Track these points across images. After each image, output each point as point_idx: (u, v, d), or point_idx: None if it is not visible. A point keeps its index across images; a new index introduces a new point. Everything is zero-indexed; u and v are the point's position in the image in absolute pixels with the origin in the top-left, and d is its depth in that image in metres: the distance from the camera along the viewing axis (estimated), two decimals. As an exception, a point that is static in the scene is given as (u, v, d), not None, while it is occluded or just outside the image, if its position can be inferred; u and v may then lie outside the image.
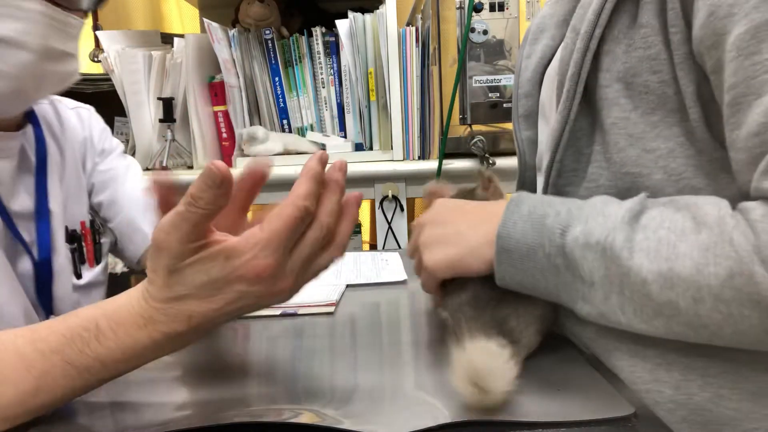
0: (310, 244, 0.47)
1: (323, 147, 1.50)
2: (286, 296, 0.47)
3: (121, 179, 0.93)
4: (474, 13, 1.39)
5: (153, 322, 0.46)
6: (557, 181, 0.61)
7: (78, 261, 0.86)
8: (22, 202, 0.78)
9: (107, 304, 0.48)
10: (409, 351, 0.62)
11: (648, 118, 0.54)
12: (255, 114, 1.54)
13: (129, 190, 0.93)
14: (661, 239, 0.48)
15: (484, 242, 0.55)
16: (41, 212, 0.80)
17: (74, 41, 0.72)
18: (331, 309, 0.78)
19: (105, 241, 0.92)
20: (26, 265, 0.78)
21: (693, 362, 0.53)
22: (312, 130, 1.53)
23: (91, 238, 0.89)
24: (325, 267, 0.49)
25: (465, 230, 0.57)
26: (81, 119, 0.92)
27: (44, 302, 0.80)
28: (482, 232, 0.55)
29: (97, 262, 0.90)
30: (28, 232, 0.78)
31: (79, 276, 0.86)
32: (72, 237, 0.85)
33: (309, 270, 0.48)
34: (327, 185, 0.49)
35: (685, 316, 0.48)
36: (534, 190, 0.73)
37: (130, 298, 0.47)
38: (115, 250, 0.96)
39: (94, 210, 0.92)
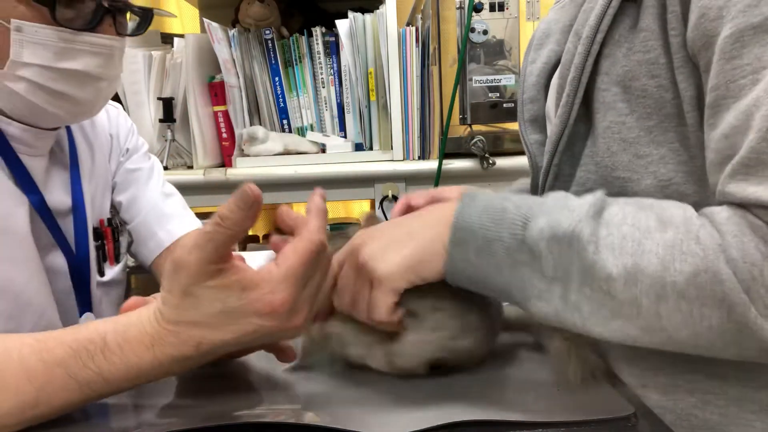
0: (321, 277, 0.47)
1: (323, 147, 1.50)
2: (298, 331, 0.47)
3: (143, 181, 0.93)
4: (474, 13, 1.39)
5: (161, 344, 0.46)
6: (554, 185, 0.61)
7: (101, 258, 0.86)
8: (56, 197, 0.78)
9: (119, 319, 0.48)
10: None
11: (644, 122, 0.54)
12: (255, 114, 1.54)
13: (149, 194, 0.93)
14: (626, 235, 0.47)
15: (439, 240, 0.51)
16: (78, 208, 0.81)
17: (121, 63, 0.78)
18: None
19: (123, 240, 0.92)
20: (59, 260, 0.78)
21: (679, 367, 0.53)
22: (312, 130, 1.53)
23: (111, 236, 0.89)
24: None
25: (417, 229, 0.53)
26: (109, 116, 0.92)
27: (83, 298, 0.80)
28: (436, 231, 0.52)
29: (117, 260, 0.89)
30: (62, 227, 0.78)
31: (102, 273, 0.86)
32: (96, 234, 0.85)
33: (318, 301, 0.49)
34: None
35: (645, 316, 0.47)
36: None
37: (141, 317, 0.47)
38: (130, 251, 0.95)
39: (114, 209, 0.92)
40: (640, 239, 0.47)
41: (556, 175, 0.61)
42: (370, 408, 0.50)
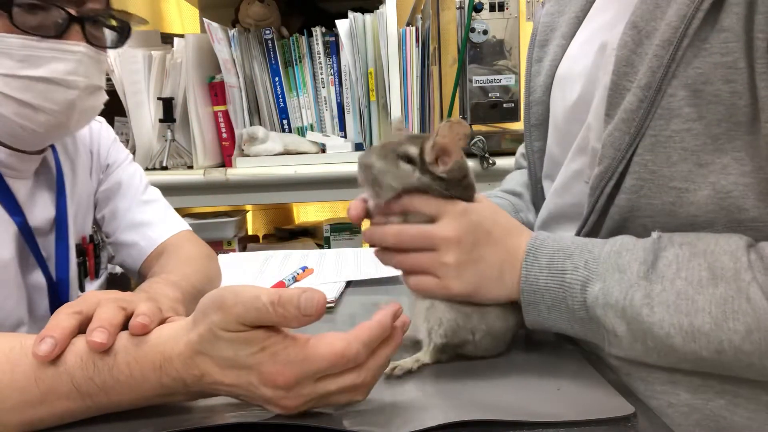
0: (339, 386, 0.46)
1: (323, 147, 1.50)
2: (286, 413, 0.46)
3: (122, 193, 0.92)
4: (474, 13, 1.39)
5: (169, 364, 0.47)
6: (612, 192, 0.57)
7: (83, 275, 0.87)
8: (39, 217, 0.78)
9: (152, 333, 0.49)
10: (409, 351, 0.62)
11: (712, 129, 0.51)
12: (255, 114, 1.54)
13: (127, 204, 0.92)
14: (680, 292, 0.49)
15: (506, 287, 0.55)
16: (61, 228, 0.80)
17: (103, 75, 0.76)
18: (330, 305, 0.78)
19: (103, 255, 0.93)
20: (38, 278, 0.78)
21: None
22: (312, 130, 1.53)
23: (93, 252, 0.89)
24: (338, 404, 0.47)
25: (488, 269, 0.55)
26: (91, 132, 0.91)
27: None
28: (507, 279, 0.55)
29: (96, 275, 0.90)
30: (43, 247, 0.78)
31: (83, 289, 0.87)
32: (79, 251, 0.86)
33: (321, 402, 0.47)
34: (391, 337, 0.48)
35: (709, 362, 0.49)
36: (557, 207, 0.70)
37: (161, 335, 0.48)
38: (119, 263, 0.95)
39: (96, 224, 0.92)
40: (693, 296, 0.48)
41: (615, 182, 0.56)
42: (370, 408, 0.50)
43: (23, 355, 0.48)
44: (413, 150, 0.55)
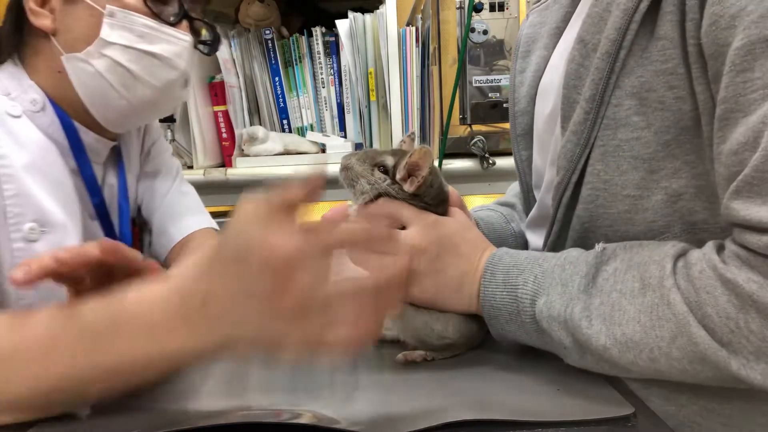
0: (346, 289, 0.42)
1: (323, 147, 1.50)
2: (286, 321, 0.41)
3: (161, 179, 0.97)
4: (474, 13, 1.39)
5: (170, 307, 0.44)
6: (569, 203, 0.59)
7: None
8: (109, 202, 0.85)
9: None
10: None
11: (662, 136, 0.52)
12: (255, 114, 1.54)
13: (164, 191, 0.96)
14: (614, 304, 0.50)
15: (464, 300, 0.57)
16: (123, 213, 0.87)
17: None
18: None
19: (146, 238, 0.96)
20: None
21: None
22: (312, 130, 1.53)
23: (138, 235, 0.94)
24: (334, 344, 0.41)
25: (448, 280, 0.57)
26: None
27: None
28: (467, 291, 0.57)
29: None
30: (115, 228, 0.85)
31: None
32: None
33: (319, 320, 0.41)
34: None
35: (648, 371, 0.50)
36: (541, 211, 0.71)
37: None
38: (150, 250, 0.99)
39: (138, 208, 0.95)
40: (625, 307, 0.49)
41: (573, 192, 0.58)
42: (370, 408, 0.50)
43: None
44: (390, 161, 0.59)
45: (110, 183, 0.87)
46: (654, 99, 0.52)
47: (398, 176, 0.58)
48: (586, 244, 0.57)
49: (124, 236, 0.86)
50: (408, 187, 0.58)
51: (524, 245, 0.79)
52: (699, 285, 0.46)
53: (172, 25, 0.79)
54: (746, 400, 0.52)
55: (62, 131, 0.78)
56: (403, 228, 0.58)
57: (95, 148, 0.82)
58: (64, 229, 0.73)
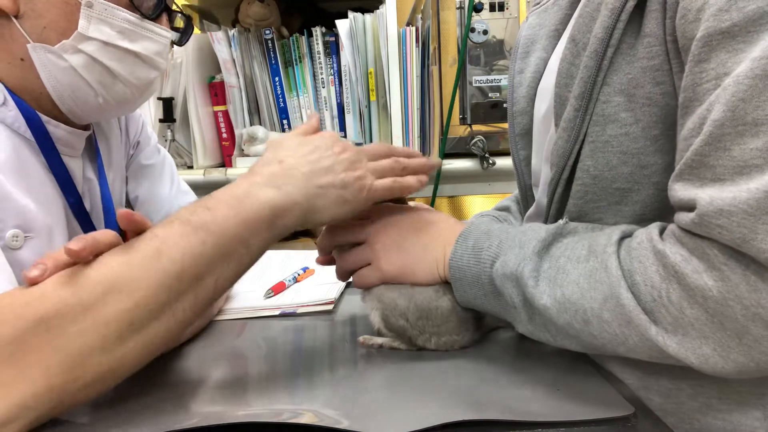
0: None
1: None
2: (355, 181, 0.58)
3: (157, 176, 0.94)
4: (474, 13, 1.39)
5: (253, 170, 0.57)
6: (561, 197, 0.60)
7: None
8: (90, 199, 0.80)
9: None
10: (409, 351, 0.62)
11: (650, 131, 0.53)
12: (255, 114, 1.54)
13: (166, 190, 0.94)
14: (560, 267, 0.52)
15: (434, 268, 0.61)
16: (109, 210, 0.82)
17: (165, 59, 0.80)
18: (329, 307, 0.78)
19: None
20: None
21: (683, 371, 0.53)
22: (312, 130, 1.53)
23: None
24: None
25: (414, 250, 0.62)
26: None
27: None
28: (432, 256, 0.61)
29: None
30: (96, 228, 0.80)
31: None
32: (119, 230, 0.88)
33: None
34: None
35: (583, 336, 0.51)
36: (538, 208, 0.72)
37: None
38: None
39: (130, 205, 0.92)
40: (569, 270, 0.52)
41: (564, 188, 0.59)
42: (370, 408, 0.50)
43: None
44: None
45: (89, 177, 0.81)
46: (642, 95, 0.53)
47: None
48: None
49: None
50: None
51: None
52: (634, 255, 0.49)
53: (153, 19, 0.74)
54: (744, 395, 0.52)
55: (27, 126, 0.70)
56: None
57: (68, 140, 0.75)
58: (48, 233, 0.69)
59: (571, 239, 0.54)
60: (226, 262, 0.52)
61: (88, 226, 0.77)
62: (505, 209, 0.89)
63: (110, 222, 0.82)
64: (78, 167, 0.78)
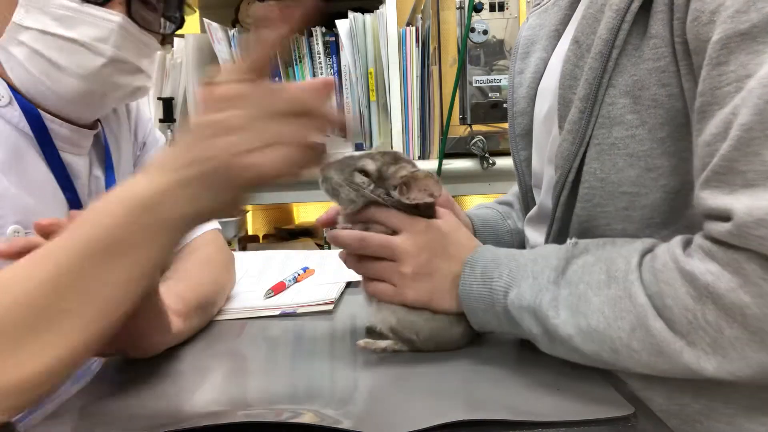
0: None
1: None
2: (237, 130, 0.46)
3: None
4: (474, 13, 1.39)
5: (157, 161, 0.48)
6: (567, 201, 0.59)
7: None
8: (94, 193, 0.79)
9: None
10: (409, 351, 0.62)
11: (656, 134, 0.53)
12: (255, 114, 1.53)
13: None
14: (581, 295, 0.51)
15: (456, 299, 0.59)
16: None
17: (148, 59, 0.77)
18: (329, 307, 0.78)
19: None
20: None
21: None
22: (312, 130, 1.53)
23: None
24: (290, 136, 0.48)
25: (441, 281, 0.59)
26: (128, 107, 0.91)
27: None
28: (455, 292, 0.59)
29: None
30: None
31: None
32: None
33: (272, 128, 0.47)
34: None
35: (611, 363, 0.51)
36: (541, 210, 0.72)
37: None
38: None
39: None
40: (591, 298, 0.50)
41: (570, 190, 0.59)
42: (370, 408, 0.50)
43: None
44: (370, 165, 0.59)
45: (96, 175, 0.81)
46: (647, 97, 0.52)
47: (393, 182, 0.58)
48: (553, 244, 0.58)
49: None
50: (397, 196, 0.58)
51: (521, 242, 0.80)
52: (661, 277, 0.47)
53: (100, 3, 0.69)
54: (748, 398, 0.52)
55: (28, 123, 0.71)
56: (395, 233, 0.59)
57: (72, 138, 0.75)
58: None
59: (585, 260, 0.53)
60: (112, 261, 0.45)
61: None
62: (507, 204, 0.88)
63: None
64: (84, 165, 0.78)
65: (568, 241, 0.55)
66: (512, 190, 0.91)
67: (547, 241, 0.63)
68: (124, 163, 0.87)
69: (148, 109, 1.49)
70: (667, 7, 0.51)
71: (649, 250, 0.51)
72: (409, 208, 0.59)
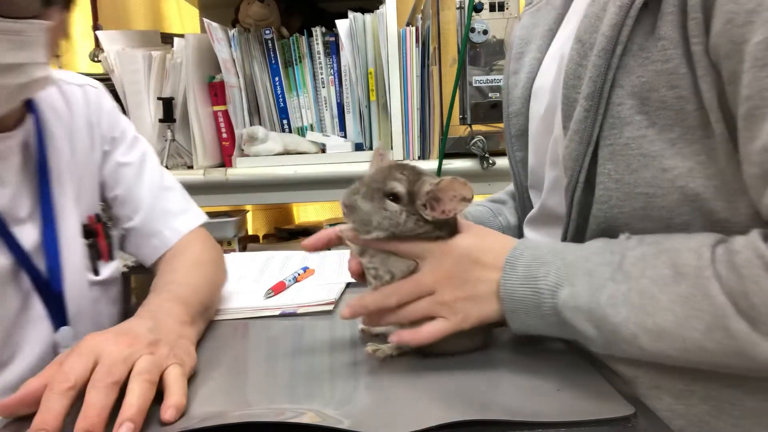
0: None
1: (323, 147, 1.50)
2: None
3: (136, 173, 0.87)
4: (474, 13, 1.39)
5: None
6: (581, 200, 0.58)
7: (95, 257, 0.82)
8: (28, 204, 0.75)
9: None
10: (409, 351, 0.62)
11: (666, 134, 0.52)
12: (255, 114, 1.53)
13: (147, 188, 0.87)
14: (644, 291, 0.49)
15: (495, 299, 0.56)
16: (46, 215, 0.76)
17: (31, 48, 0.65)
18: (329, 307, 0.78)
19: (115, 234, 0.87)
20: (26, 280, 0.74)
21: (697, 373, 0.52)
22: (312, 130, 1.53)
23: (103, 232, 0.84)
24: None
25: (484, 293, 0.56)
26: (88, 100, 0.85)
27: (55, 310, 0.76)
28: (491, 294, 0.56)
29: (111, 257, 0.85)
30: (27, 235, 0.74)
31: (97, 272, 0.82)
32: (87, 232, 0.81)
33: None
34: None
35: (678, 360, 0.50)
36: (544, 212, 0.71)
37: None
38: (124, 247, 0.89)
39: (107, 204, 0.87)
40: (656, 295, 0.49)
41: (583, 190, 0.58)
42: (370, 408, 0.50)
43: None
44: (400, 188, 0.55)
45: (30, 185, 0.76)
46: (656, 99, 0.52)
47: (419, 202, 0.55)
48: (599, 238, 0.57)
49: (48, 248, 0.75)
50: (429, 215, 0.55)
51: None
52: (745, 274, 0.45)
53: None
54: (757, 401, 0.52)
55: None
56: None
57: None
58: None
59: (643, 252, 0.51)
60: None
61: (11, 245, 0.72)
62: (500, 202, 0.87)
63: (48, 230, 0.76)
64: (8, 169, 0.72)
65: (621, 235, 0.54)
66: (506, 189, 0.91)
67: (564, 238, 0.61)
68: (82, 160, 0.81)
69: (149, 109, 1.48)
70: (677, 9, 0.49)
71: (720, 241, 0.49)
72: (434, 226, 0.56)
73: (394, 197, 0.55)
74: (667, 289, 0.48)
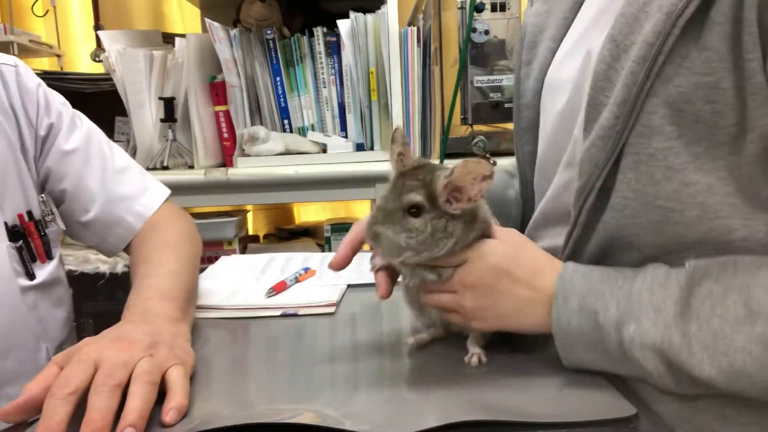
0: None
1: (324, 147, 1.50)
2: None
3: (83, 163, 0.80)
4: (475, 13, 1.39)
5: None
6: (593, 206, 0.56)
7: (28, 259, 0.75)
8: None
9: None
10: (410, 350, 0.62)
11: (692, 148, 0.50)
12: (256, 114, 1.53)
13: (98, 175, 0.80)
14: (716, 331, 0.48)
15: (533, 322, 0.55)
16: None
17: None
18: (331, 309, 0.78)
19: (53, 231, 0.79)
20: None
21: None
22: (313, 130, 1.53)
23: (36, 231, 0.76)
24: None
25: (509, 308, 0.55)
26: (4, 80, 0.74)
27: None
28: (532, 313, 0.55)
29: (49, 256, 0.79)
30: None
31: (32, 276, 0.76)
32: (15, 234, 0.74)
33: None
34: None
35: (758, 396, 0.49)
36: (533, 208, 0.70)
37: None
38: (84, 240, 0.84)
39: (55, 199, 0.80)
40: (730, 335, 0.48)
41: (596, 197, 0.55)
42: (371, 408, 0.50)
43: None
44: (418, 197, 0.52)
45: None
46: (690, 111, 0.50)
47: (441, 199, 0.53)
48: (611, 248, 0.56)
49: None
50: (455, 207, 0.53)
51: (521, 212, 0.78)
52: None
53: None
54: (764, 408, 0.51)
55: None
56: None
57: None
58: None
59: (710, 289, 0.50)
60: None
61: None
62: (510, 174, 0.84)
63: None
64: None
65: (686, 263, 0.51)
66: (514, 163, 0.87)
67: (565, 247, 0.59)
68: (1, 154, 0.73)
69: (150, 109, 1.48)
70: (728, 20, 0.47)
71: None
72: (464, 224, 0.54)
73: (417, 208, 0.52)
74: (741, 328, 0.47)
